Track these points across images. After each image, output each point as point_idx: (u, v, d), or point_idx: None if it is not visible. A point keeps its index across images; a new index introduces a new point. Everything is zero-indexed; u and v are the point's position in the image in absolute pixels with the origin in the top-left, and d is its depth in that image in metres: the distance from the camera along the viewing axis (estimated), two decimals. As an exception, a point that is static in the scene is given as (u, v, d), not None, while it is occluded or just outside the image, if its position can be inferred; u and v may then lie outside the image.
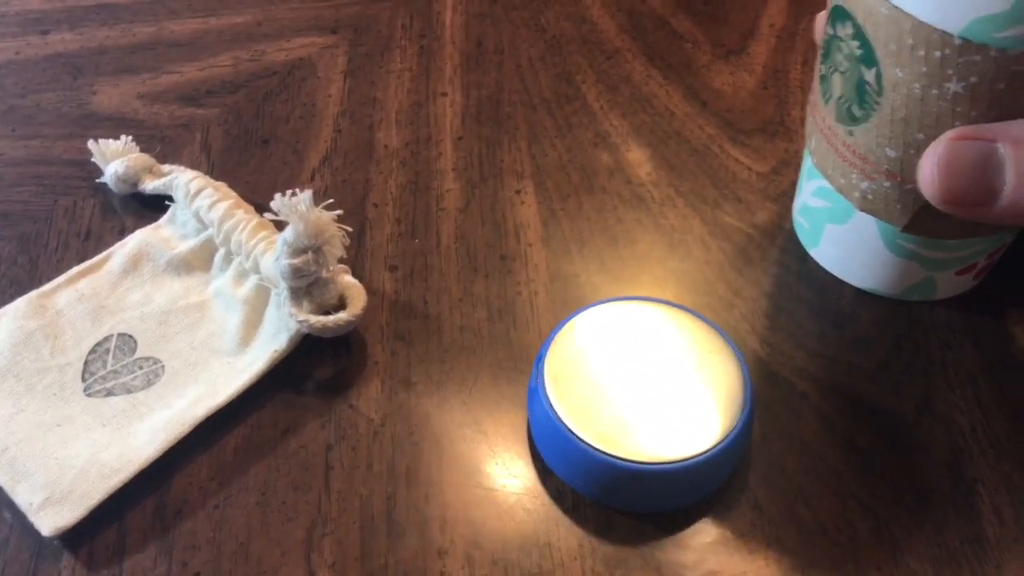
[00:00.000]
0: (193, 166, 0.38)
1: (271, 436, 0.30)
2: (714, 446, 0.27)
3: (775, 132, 0.40)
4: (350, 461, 0.29)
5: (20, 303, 0.33)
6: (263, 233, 0.33)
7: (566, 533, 0.27)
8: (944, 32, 0.24)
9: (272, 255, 0.31)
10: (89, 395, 0.30)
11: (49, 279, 0.34)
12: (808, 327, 0.33)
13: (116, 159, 0.36)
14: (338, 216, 0.31)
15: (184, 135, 0.40)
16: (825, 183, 0.31)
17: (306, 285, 0.30)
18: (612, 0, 0.47)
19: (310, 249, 0.30)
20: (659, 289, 0.34)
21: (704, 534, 0.27)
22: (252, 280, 0.32)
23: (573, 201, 0.37)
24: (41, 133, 0.40)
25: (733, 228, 0.36)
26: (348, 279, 0.32)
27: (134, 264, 0.34)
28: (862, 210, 0.30)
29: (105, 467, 0.28)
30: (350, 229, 0.31)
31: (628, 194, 0.37)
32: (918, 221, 0.29)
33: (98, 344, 0.32)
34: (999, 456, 0.29)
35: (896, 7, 0.25)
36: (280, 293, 0.31)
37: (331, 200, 0.31)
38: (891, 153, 0.27)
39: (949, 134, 0.25)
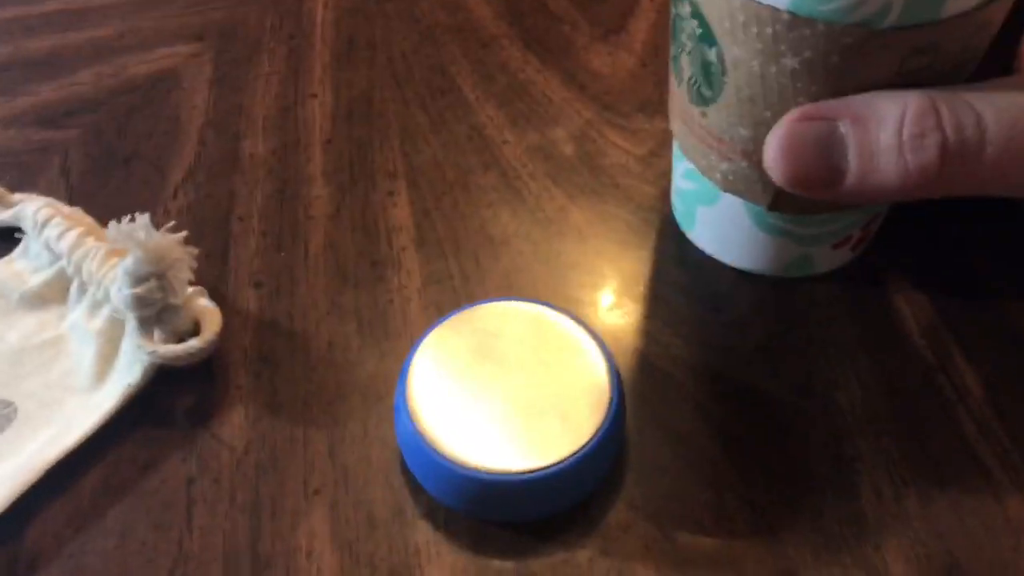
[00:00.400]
0: (51, 192, 0.36)
1: (130, 474, 0.28)
2: (580, 449, 0.26)
3: (654, 112, 0.39)
4: (213, 494, 0.28)
5: None
6: (114, 260, 0.31)
7: (440, 549, 0.27)
8: (773, 7, 0.23)
9: (117, 285, 0.29)
10: (-66, 447, 0.29)
11: None
12: (684, 313, 0.32)
13: (-39, 192, 0.34)
14: (186, 237, 0.29)
15: (41, 160, 0.38)
16: (691, 165, 0.31)
17: (155, 313, 0.29)
18: (488, -15, 0.46)
19: (153, 276, 0.28)
20: (534, 287, 0.33)
21: (582, 539, 0.27)
22: (105, 311, 0.31)
23: (448, 199, 0.36)
24: None
25: (611, 215, 0.35)
26: (203, 303, 0.31)
27: (-16, 302, 0.32)
28: (725, 191, 0.29)
29: (-52, 524, 0.27)
30: (197, 251, 0.30)
31: (504, 188, 0.36)
32: (781, 199, 0.28)
33: (-55, 391, 0.30)
34: (878, 432, 0.29)
35: None
36: (131, 323, 0.30)
37: (174, 223, 0.30)
38: (743, 132, 0.27)
39: (790, 115, 0.25)
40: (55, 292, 0.33)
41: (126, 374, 0.30)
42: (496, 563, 0.26)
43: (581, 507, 0.27)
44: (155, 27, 0.44)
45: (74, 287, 0.32)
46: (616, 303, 0.32)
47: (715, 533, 0.27)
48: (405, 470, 0.28)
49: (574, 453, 0.26)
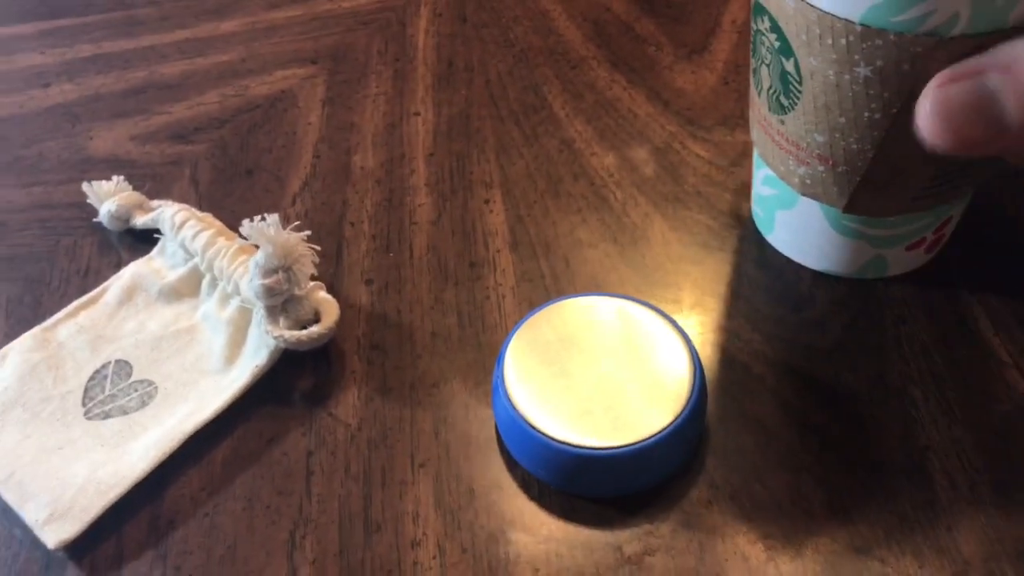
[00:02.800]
0: (182, 200, 0.40)
1: (256, 446, 0.32)
2: (663, 429, 0.28)
3: (735, 125, 0.41)
4: (329, 465, 0.31)
5: (25, 338, 0.35)
6: (242, 258, 0.35)
7: (531, 520, 0.29)
8: (846, 20, 0.25)
9: (249, 277, 0.33)
10: (89, 419, 0.33)
11: (52, 314, 0.36)
12: (765, 311, 0.34)
13: (109, 199, 0.39)
14: (308, 237, 0.33)
15: (174, 171, 0.42)
16: (770, 172, 0.33)
17: (280, 303, 0.32)
18: (578, 11, 0.48)
19: (280, 269, 0.32)
20: (621, 285, 0.35)
21: (664, 514, 0.29)
22: (235, 302, 0.34)
23: (539, 207, 0.39)
24: (43, 180, 0.43)
25: (693, 221, 0.37)
26: (322, 295, 0.34)
27: (128, 295, 0.36)
28: (803, 194, 0.31)
29: (102, 483, 0.30)
30: (319, 248, 0.33)
31: (592, 196, 0.39)
32: (857, 201, 0.30)
33: (96, 371, 0.34)
34: (951, 423, 0.30)
35: (801, 0, 0.26)
36: (258, 312, 0.33)
37: (299, 223, 0.33)
38: (819, 138, 0.29)
39: (935, 81, 0.24)
40: (189, 286, 0.36)
41: (253, 358, 0.33)
42: (584, 532, 0.29)
43: (664, 486, 0.29)
44: (274, 52, 0.48)
45: (206, 282, 0.36)
46: (698, 301, 0.34)
47: (791, 512, 0.28)
48: (502, 447, 0.31)
49: (658, 432, 0.28)
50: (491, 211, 0.39)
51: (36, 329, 0.35)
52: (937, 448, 0.30)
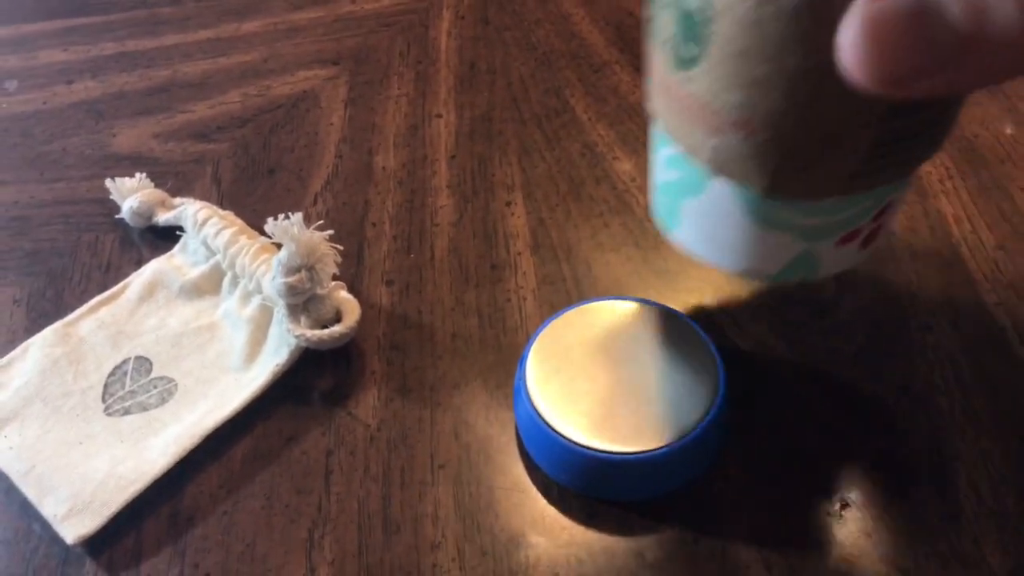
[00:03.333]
0: (204, 198, 0.40)
1: (275, 444, 0.32)
2: (687, 434, 0.28)
3: (759, 132, 0.41)
4: (349, 465, 0.31)
5: (47, 332, 0.35)
6: (264, 256, 0.35)
7: (552, 524, 0.29)
8: None
9: (271, 276, 0.33)
10: (109, 414, 0.33)
11: (73, 310, 0.36)
12: (789, 317, 0.34)
13: (131, 195, 0.39)
14: (330, 236, 0.33)
15: (196, 169, 0.42)
16: (674, 151, 0.26)
17: (302, 302, 0.32)
18: (600, 14, 0.48)
19: (303, 268, 0.32)
20: (643, 289, 0.35)
21: (685, 518, 0.29)
22: (256, 300, 0.34)
23: (561, 210, 0.38)
24: (66, 175, 0.43)
25: (716, 227, 0.37)
26: (343, 295, 0.34)
27: (150, 291, 0.36)
28: (715, 173, 0.25)
29: (122, 479, 0.30)
30: (341, 248, 0.33)
31: (614, 200, 0.39)
32: (781, 179, 0.24)
33: (117, 367, 0.34)
34: (977, 433, 0.30)
35: None
36: (280, 311, 0.33)
37: (322, 222, 0.33)
38: (734, 97, 0.22)
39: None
40: (210, 284, 0.36)
41: (274, 356, 0.33)
42: (606, 538, 0.28)
43: (688, 490, 0.29)
44: (296, 52, 0.48)
45: (227, 280, 0.36)
46: (721, 307, 0.34)
47: (816, 519, 0.28)
48: (522, 450, 0.30)
49: (681, 437, 0.28)
50: (513, 213, 0.38)
51: (57, 324, 0.35)
52: (964, 458, 0.29)
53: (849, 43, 0.19)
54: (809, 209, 0.25)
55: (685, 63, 0.23)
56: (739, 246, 0.27)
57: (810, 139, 0.22)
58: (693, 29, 0.22)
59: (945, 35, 0.18)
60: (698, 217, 0.27)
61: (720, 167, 0.24)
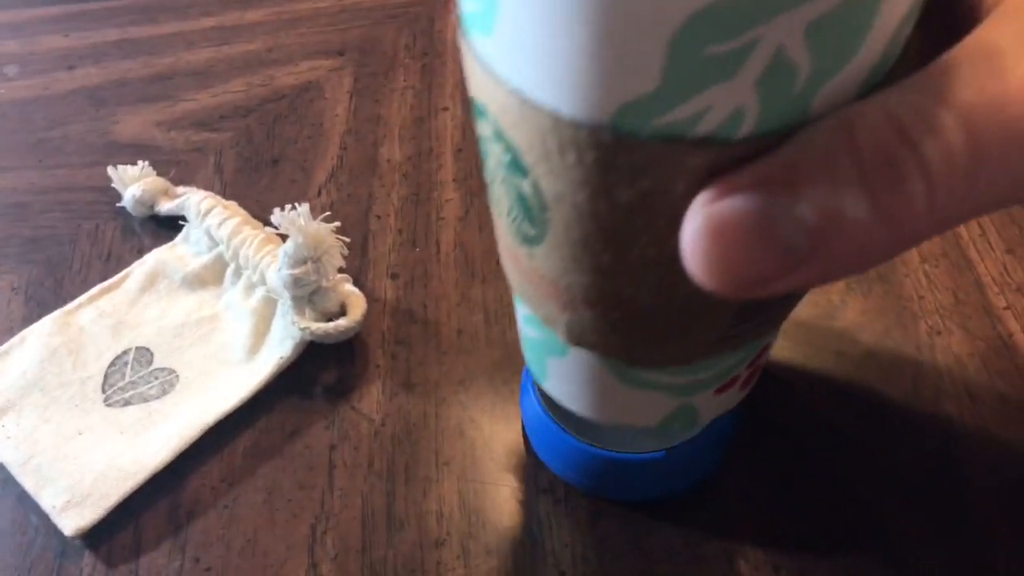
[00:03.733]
0: (207, 188, 0.39)
1: (278, 438, 0.31)
2: (694, 435, 0.28)
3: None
4: (352, 460, 0.30)
5: (46, 321, 0.35)
6: (269, 247, 0.34)
7: (557, 523, 0.29)
8: (591, 127, 0.16)
9: (276, 267, 0.32)
10: (108, 405, 0.32)
11: (73, 299, 0.36)
12: (796, 318, 0.33)
13: (134, 184, 0.38)
14: (336, 228, 0.32)
15: (199, 158, 0.42)
16: (532, 312, 0.24)
17: (308, 294, 0.32)
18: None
19: (309, 260, 0.31)
20: (651, 287, 0.35)
21: (692, 520, 0.28)
22: (259, 292, 0.34)
23: (568, 206, 0.38)
24: (67, 162, 0.42)
25: (725, 226, 0.37)
26: (349, 288, 0.33)
27: (151, 281, 0.36)
28: (574, 344, 0.23)
29: (122, 471, 0.30)
30: (348, 240, 0.33)
31: (622, 197, 0.38)
32: (642, 351, 0.22)
33: (117, 357, 0.34)
34: (987, 439, 0.30)
35: (528, 99, 0.17)
36: (284, 303, 0.33)
37: (328, 213, 0.33)
38: (582, 279, 0.20)
39: (702, 198, 0.16)
40: (213, 274, 0.36)
41: (278, 349, 0.33)
42: (612, 537, 0.28)
43: (694, 492, 0.29)
44: (300, 42, 0.48)
45: (230, 270, 0.36)
46: (729, 307, 0.34)
47: (822, 521, 0.28)
48: (528, 448, 0.30)
49: (688, 438, 0.28)
50: (519, 209, 0.38)
51: (57, 313, 0.35)
52: (972, 463, 0.29)
53: (691, 245, 0.17)
54: (679, 371, 0.23)
55: (527, 240, 0.20)
56: (611, 405, 0.25)
57: (667, 318, 0.21)
58: (530, 212, 0.20)
59: (794, 237, 0.16)
60: (565, 376, 0.25)
61: (576, 340, 0.22)
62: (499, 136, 0.19)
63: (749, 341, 0.23)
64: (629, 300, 0.20)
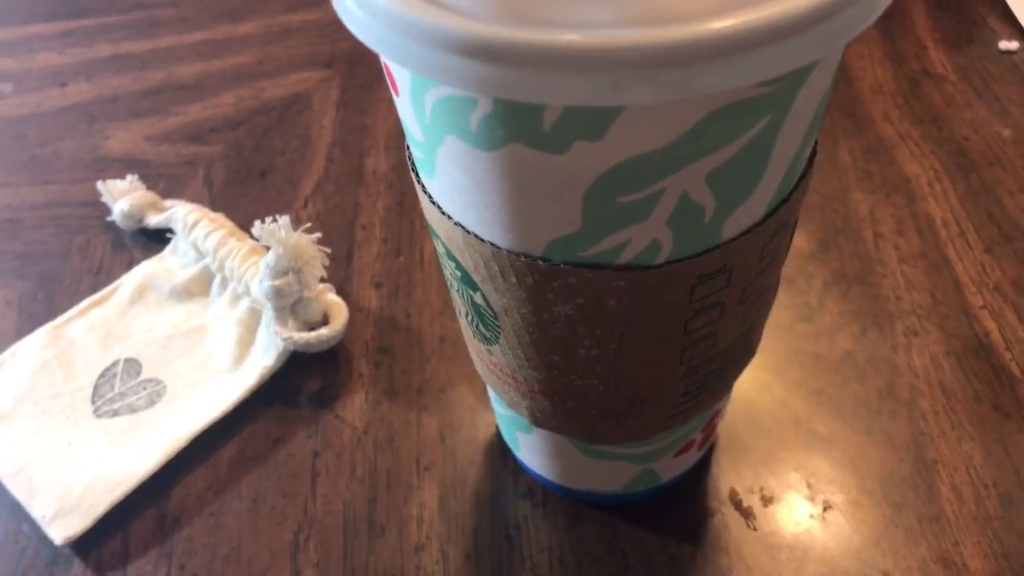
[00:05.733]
0: (196, 200, 0.40)
1: (262, 447, 0.32)
2: (670, 438, 0.28)
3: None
4: (335, 467, 0.31)
5: (37, 334, 0.35)
6: (253, 259, 0.35)
7: (535, 526, 0.29)
8: (528, 257, 0.19)
9: (259, 278, 0.33)
10: (98, 416, 0.33)
11: (64, 312, 0.36)
12: (775, 319, 0.34)
13: (122, 198, 0.39)
14: (319, 239, 0.33)
15: (188, 171, 0.43)
16: None
17: (290, 304, 0.33)
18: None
19: (290, 271, 0.32)
20: (631, 292, 0.35)
21: (668, 521, 0.29)
22: (245, 302, 0.35)
23: (551, 213, 0.39)
24: (59, 178, 0.43)
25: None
26: (331, 297, 0.34)
27: (140, 294, 0.37)
28: (537, 426, 0.25)
29: (110, 481, 0.30)
30: (328, 251, 0.33)
31: (603, 203, 0.39)
32: (600, 432, 0.24)
33: (107, 369, 0.34)
34: (960, 438, 0.30)
35: (470, 233, 0.19)
36: (268, 313, 0.33)
37: (310, 224, 0.33)
38: (536, 374, 0.23)
39: None
40: (200, 286, 0.37)
41: (262, 358, 0.33)
42: (589, 540, 0.29)
43: (671, 493, 0.29)
44: (289, 55, 0.48)
45: (216, 282, 0.36)
46: (708, 310, 0.34)
47: (800, 520, 0.28)
48: (507, 453, 0.31)
49: (665, 441, 0.28)
50: (502, 216, 0.39)
51: (48, 326, 0.36)
52: (945, 461, 0.29)
53: None
54: (636, 444, 0.26)
55: (485, 339, 0.23)
56: (578, 474, 0.28)
57: (618, 404, 0.23)
58: (484, 319, 0.22)
59: None
60: (534, 449, 0.28)
61: (538, 424, 0.25)
62: (450, 256, 0.21)
63: (699, 413, 0.25)
64: (581, 390, 0.22)
